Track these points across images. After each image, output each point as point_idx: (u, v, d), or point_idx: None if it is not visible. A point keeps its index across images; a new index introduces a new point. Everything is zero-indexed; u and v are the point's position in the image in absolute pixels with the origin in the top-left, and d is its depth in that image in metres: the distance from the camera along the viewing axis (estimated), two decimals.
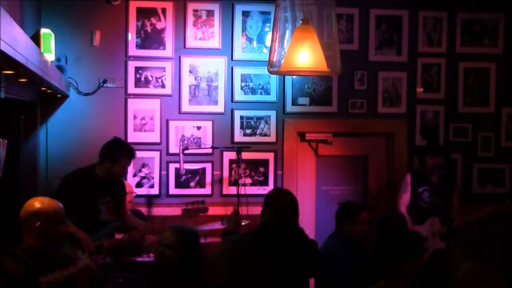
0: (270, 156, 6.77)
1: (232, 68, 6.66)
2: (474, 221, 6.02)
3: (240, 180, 6.46)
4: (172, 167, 6.55)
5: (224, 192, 6.67)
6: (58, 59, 6.22)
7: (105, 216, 5.57)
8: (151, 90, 6.54)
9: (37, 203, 3.90)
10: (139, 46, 6.52)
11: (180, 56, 6.57)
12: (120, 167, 5.57)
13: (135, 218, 5.96)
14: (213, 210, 6.51)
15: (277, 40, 4.17)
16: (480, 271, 3.04)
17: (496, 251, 3.57)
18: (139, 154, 6.45)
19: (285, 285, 4.34)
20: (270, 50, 4.24)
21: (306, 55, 3.96)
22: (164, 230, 3.99)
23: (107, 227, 5.54)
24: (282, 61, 4.09)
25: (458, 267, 3.13)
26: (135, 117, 6.52)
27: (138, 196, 6.42)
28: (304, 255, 4.61)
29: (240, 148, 6.34)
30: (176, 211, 6.50)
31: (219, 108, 6.65)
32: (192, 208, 5.97)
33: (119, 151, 5.57)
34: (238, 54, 6.67)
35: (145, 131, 6.54)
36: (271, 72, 4.29)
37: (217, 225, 5.66)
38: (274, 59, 4.14)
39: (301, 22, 4.04)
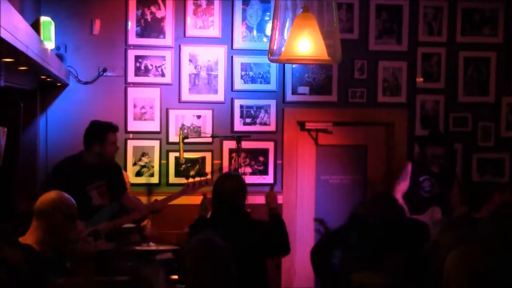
0: (270, 145, 6.76)
1: (232, 57, 6.65)
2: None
3: (240, 169, 6.45)
4: (172, 156, 6.55)
5: None
6: (57, 48, 6.21)
7: (97, 201, 5.51)
8: (151, 79, 6.53)
9: (57, 196, 3.86)
10: (139, 35, 6.51)
11: (180, 45, 6.56)
12: (110, 144, 5.51)
13: (134, 199, 5.90)
14: None
15: (278, 28, 4.15)
16: (468, 256, 3.06)
17: (485, 237, 3.58)
18: (139, 142, 6.49)
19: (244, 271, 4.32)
20: (271, 38, 4.23)
21: (307, 43, 3.95)
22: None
23: (100, 212, 5.48)
24: (283, 49, 4.09)
25: (447, 253, 3.15)
26: (135, 106, 6.51)
27: (137, 185, 6.43)
28: (255, 237, 4.61)
29: (240, 137, 6.34)
30: (175, 200, 6.49)
31: (219, 97, 6.64)
32: (194, 182, 5.85)
33: (104, 130, 5.51)
34: (238, 43, 6.66)
35: (145, 120, 6.53)
36: (271, 61, 4.28)
37: None
38: (275, 47, 4.13)
39: (301, 10, 4.03)
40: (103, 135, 5.49)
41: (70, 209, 3.83)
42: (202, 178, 5.79)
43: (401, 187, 6.35)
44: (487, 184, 6.08)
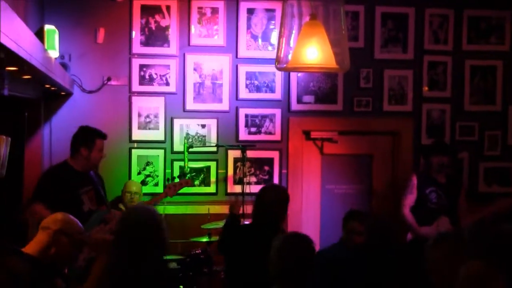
0: (275, 154, 6.72)
1: (237, 65, 6.62)
2: (481, 220, 5.94)
3: (245, 179, 6.42)
4: (177, 165, 6.51)
5: (229, 191, 6.64)
6: (62, 56, 6.19)
7: (88, 207, 5.44)
8: (155, 87, 6.50)
9: (65, 217, 3.77)
10: (143, 43, 6.48)
11: (184, 54, 6.54)
12: (97, 151, 5.44)
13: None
14: (217, 209, 6.45)
15: (285, 36, 4.10)
16: (483, 271, 3.01)
17: (498, 250, 3.54)
18: (143, 152, 6.45)
19: None
20: (278, 46, 4.17)
21: (315, 51, 3.90)
22: None
23: (92, 217, 5.41)
24: (290, 57, 4.04)
25: (459, 267, 3.10)
26: (139, 115, 6.48)
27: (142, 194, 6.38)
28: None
29: (245, 146, 6.31)
30: (180, 209, 6.47)
31: (224, 106, 6.61)
32: (175, 184, 5.85)
33: (93, 135, 5.45)
34: (243, 52, 6.63)
35: (149, 129, 6.50)
36: (279, 69, 4.23)
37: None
38: (282, 55, 4.08)
39: (308, 17, 3.98)
40: (92, 140, 5.43)
41: (77, 234, 3.72)
42: (182, 180, 5.78)
43: (409, 201, 6.22)
44: None
